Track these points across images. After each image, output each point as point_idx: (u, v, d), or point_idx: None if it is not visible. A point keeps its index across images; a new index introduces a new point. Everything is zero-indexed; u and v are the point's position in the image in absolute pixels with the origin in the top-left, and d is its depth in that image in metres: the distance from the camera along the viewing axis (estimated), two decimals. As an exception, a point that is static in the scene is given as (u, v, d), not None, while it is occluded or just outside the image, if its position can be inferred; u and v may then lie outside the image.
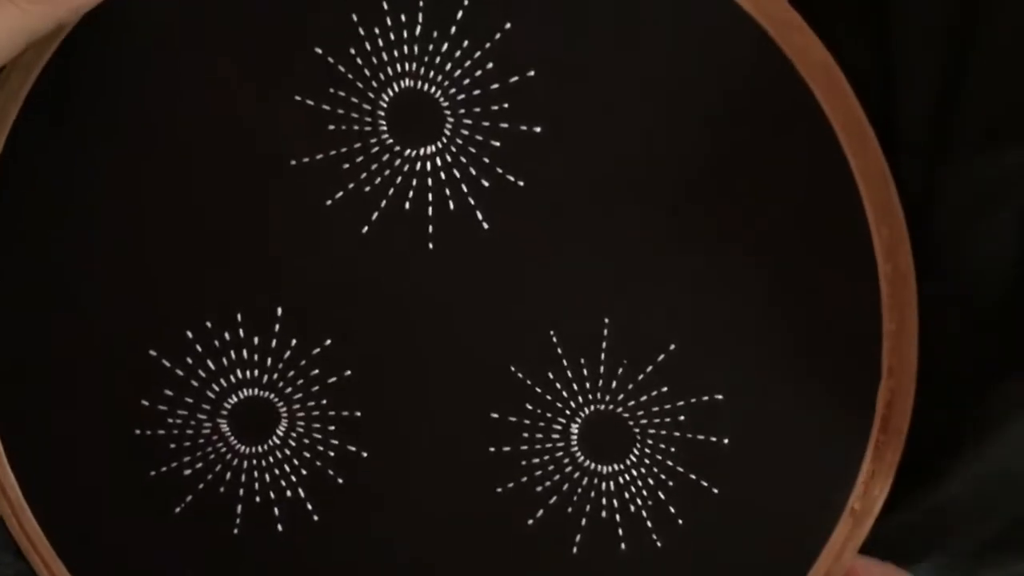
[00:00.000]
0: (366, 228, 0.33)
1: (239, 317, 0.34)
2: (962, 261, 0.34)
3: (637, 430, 0.34)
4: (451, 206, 0.33)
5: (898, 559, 0.34)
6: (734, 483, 0.34)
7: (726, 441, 0.34)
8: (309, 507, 0.34)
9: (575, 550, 0.34)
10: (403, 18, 0.32)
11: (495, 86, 0.33)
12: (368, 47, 0.33)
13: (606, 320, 0.34)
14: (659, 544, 0.34)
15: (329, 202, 0.33)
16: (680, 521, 0.34)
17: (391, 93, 0.33)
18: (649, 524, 0.34)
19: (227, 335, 0.34)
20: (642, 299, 0.33)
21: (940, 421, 0.33)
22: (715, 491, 0.34)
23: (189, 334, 0.34)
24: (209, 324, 0.34)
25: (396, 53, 0.33)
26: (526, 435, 0.34)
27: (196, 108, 0.33)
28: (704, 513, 0.34)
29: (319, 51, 0.33)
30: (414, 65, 0.33)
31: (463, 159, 0.33)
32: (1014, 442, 0.32)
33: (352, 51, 0.33)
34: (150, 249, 0.33)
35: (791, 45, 0.33)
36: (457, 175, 0.33)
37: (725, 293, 0.33)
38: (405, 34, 0.33)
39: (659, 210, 0.33)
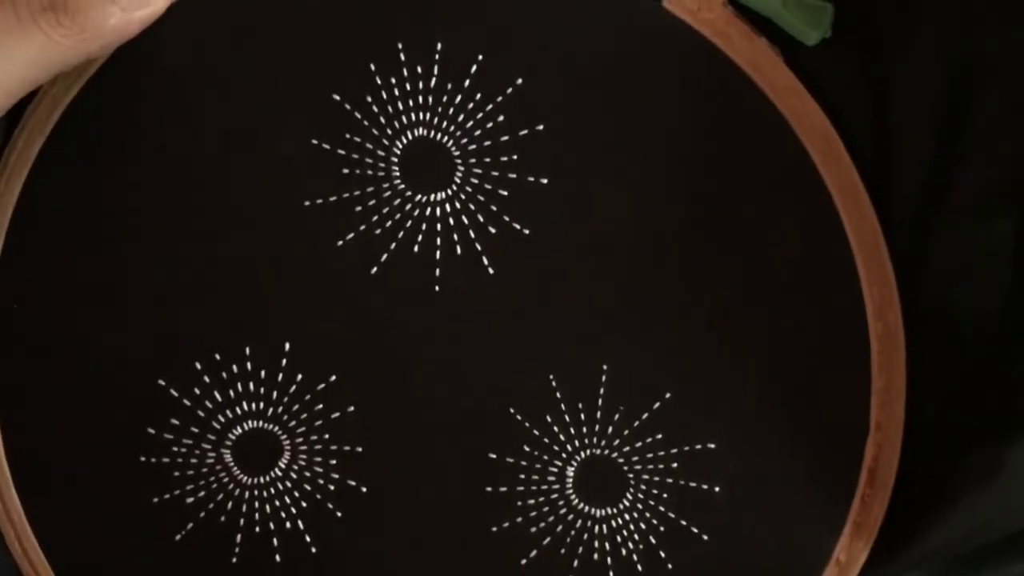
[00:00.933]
0: (375, 269, 0.35)
1: (247, 351, 0.35)
2: (951, 323, 0.35)
3: (631, 475, 0.35)
4: (458, 251, 0.34)
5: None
6: (723, 531, 0.35)
7: (717, 489, 0.35)
8: (308, 539, 0.35)
9: (566, 591, 0.35)
10: (419, 70, 0.34)
11: (505, 138, 0.34)
12: (384, 96, 0.34)
13: (605, 367, 0.35)
14: (649, 588, 0.35)
15: (340, 242, 0.34)
16: (670, 566, 0.35)
17: (405, 140, 0.34)
18: (640, 568, 0.35)
19: (235, 367, 0.35)
20: (640, 348, 0.34)
21: (926, 476, 0.34)
22: (705, 538, 0.35)
23: (198, 365, 0.35)
24: (218, 356, 0.35)
25: (411, 103, 0.34)
26: (523, 476, 0.35)
27: (215, 148, 0.34)
28: (693, 559, 0.35)
29: (337, 98, 0.34)
30: (428, 115, 0.34)
31: (472, 206, 0.34)
32: (999, 500, 0.33)
33: (369, 99, 0.34)
34: (163, 281, 0.34)
35: (790, 109, 0.34)
36: (465, 221, 0.34)
37: (721, 345, 0.34)
38: (421, 85, 0.34)
39: (659, 263, 0.34)
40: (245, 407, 0.35)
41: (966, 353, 0.35)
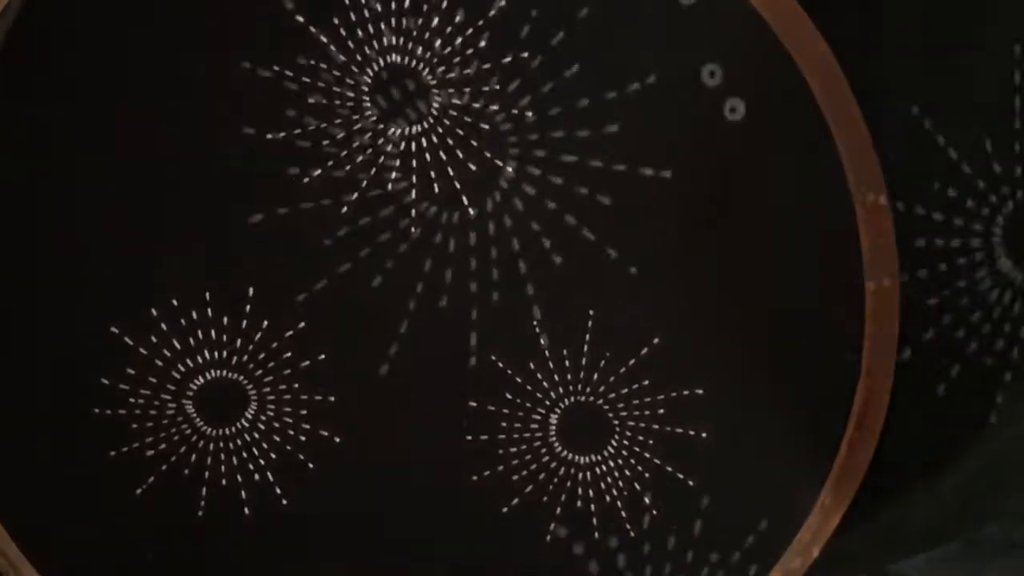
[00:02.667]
0: (345, 208, 0.32)
1: (207, 296, 0.32)
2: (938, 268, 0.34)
3: (616, 422, 0.34)
4: (436, 189, 0.32)
5: (890, 555, 0.35)
6: (709, 476, 0.34)
7: (704, 435, 0.34)
8: (278, 491, 0.33)
9: (548, 539, 0.34)
10: None
11: (487, 65, 0.31)
12: (353, 17, 0.31)
13: (591, 312, 0.33)
14: (632, 535, 0.34)
15: (306, 180, 0.32)
16: (654, 512, 0.34)
17: (376, 68, 0.31)
18: (624, 515, 0.34)
19: (194, 314, 0.32)
20: (628, 292, 0.33)
21: (914, 420, 0.34)
22: (690, 483, 0.34)
23: (154, 312, 0.32)
24: (175, 302, 0.32)
25: (383, 25, 0.31)
26: (504, 424, 0.33)
27: (166, 76, 0.31)
28: (678, 505, 0.34)
29: (300, 19, 0.31)
30: (402, 39, 0.31)
31: (450, 141, 0.32)
32: (988, 446, 0.33)
33: (336, 21, 0.31)
34: (114, 221, 0.32)
35: (791, 37, 0.32)
36: (443, 157, 0.32)
37: (711, 288, 0.33)
38: (393, 5, 0.31)
39: (648, 203, 0.32)
40: (207, 355, 0.33)
41: (954, 295, 0.34)
